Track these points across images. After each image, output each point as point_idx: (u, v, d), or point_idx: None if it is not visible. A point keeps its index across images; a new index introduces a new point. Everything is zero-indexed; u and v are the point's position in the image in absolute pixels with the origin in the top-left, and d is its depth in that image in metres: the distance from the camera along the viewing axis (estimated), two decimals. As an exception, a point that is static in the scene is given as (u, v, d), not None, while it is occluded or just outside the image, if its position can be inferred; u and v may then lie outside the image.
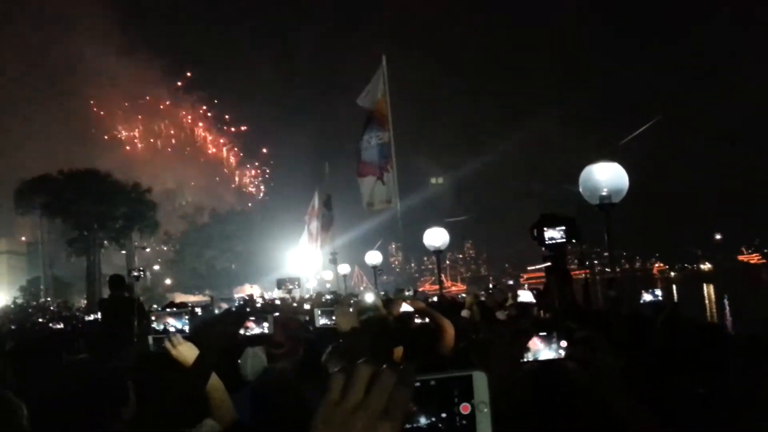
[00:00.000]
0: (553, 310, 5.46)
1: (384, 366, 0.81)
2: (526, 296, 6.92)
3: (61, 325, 13.70)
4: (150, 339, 3.15)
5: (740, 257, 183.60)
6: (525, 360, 2.21)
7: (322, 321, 4.38)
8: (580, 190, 8.15)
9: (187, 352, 2.88)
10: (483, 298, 9.28)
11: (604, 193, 7.88)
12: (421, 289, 35.25)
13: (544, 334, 2.23)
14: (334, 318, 3.45)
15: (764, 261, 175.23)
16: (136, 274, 12.72)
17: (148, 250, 61.02)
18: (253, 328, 3.30)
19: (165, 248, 76.44)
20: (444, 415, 0.81)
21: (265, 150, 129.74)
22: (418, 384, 0.81)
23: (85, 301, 44.98)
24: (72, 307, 37.21)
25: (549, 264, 5.54)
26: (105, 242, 48.57)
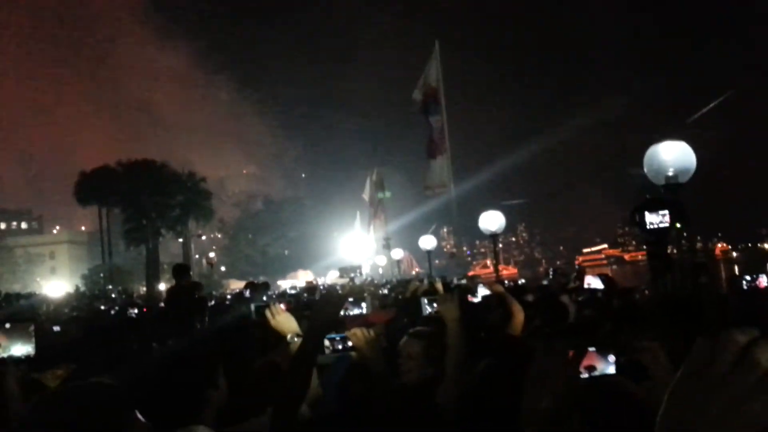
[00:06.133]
0: (651, 300, 5.33)
1: (760, 335, 0.65)
2: (595, 282, 6.72)
3: (136, 311, 14.10)
4: (252, 307, 3.23)
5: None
6: (584, 377, 2.03)
7: (429, 310, 4.37)
8: (645, 170, 7.93)
9: (286, 323, 2.93)
10: (546, 282, 9.17)
11: (670, 174, 7.66)
12: (471, 274, 35.10)
13: (594, 349, 2.09)
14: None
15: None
16: (212, 255, 12.81)
17: (204, 237, 62.08)
18: (352, 309, 3.36)
19: (220, 236, 77.75)
20: None
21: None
22: None
23: (145, 289, 46.14)
24: (132, 294, 38.19)
25: (650, 250, 5.37)
26: (162, 231, 49.65)
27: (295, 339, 2.79)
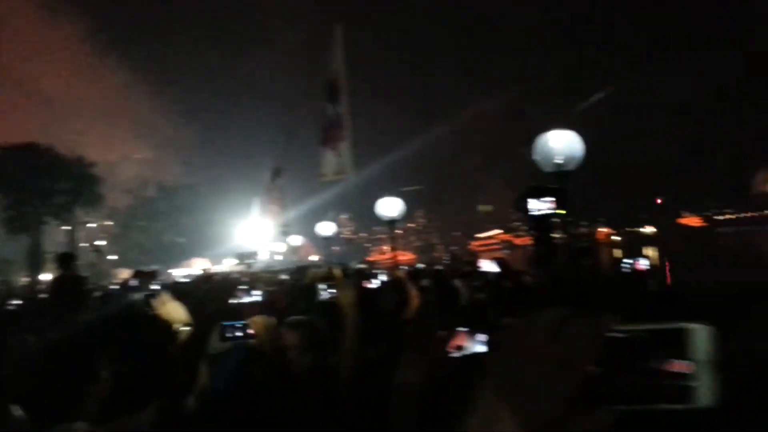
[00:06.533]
0: (539, 283, 5.52)
1: (575, 312, 0.70)
2: (489, 266, 6.89)
3: (20, 302, 13.45)
4: (139, 296, 3.14)
5: (680, 220, 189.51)
6: (455, 356, 2.14)
7: (327, 294, 4.36)
8: (534, 157, 8.21)
9: (174, 313, 2.84)
10: (441, 267, 9.37)
11: (558, 161, 7.95)
12: (369, 259, 35.56)
13: (466, 329, 2.20)
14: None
15: (706, 224, 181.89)
16: (100, 243, 12.34)
17: (95, 225, 59.49)
18: (244, 297, 3.30)
19: (112, 223, 74.65)
20: (649, 370, 0.67)
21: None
22: (619, 335, 0.68)
23: (27, 279, 43.71)
24: (14, 285, 36.12)
25: (535, 236, 5.58)
26: (46, 218, 47.17)
27: (184, 328, 2.72)
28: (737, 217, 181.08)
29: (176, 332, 2.76)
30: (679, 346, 0.68)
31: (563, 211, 5.92)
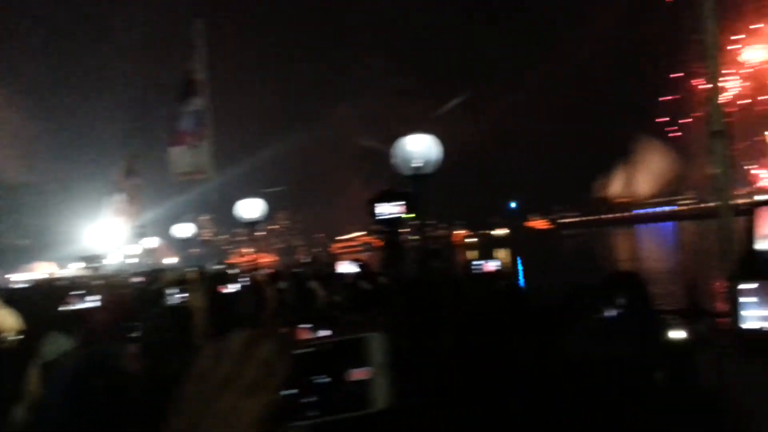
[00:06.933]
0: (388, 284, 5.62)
1: (261, 334, 0.72)
2: (346, 267, 6.93)
3: None
4: None
5: (528, 223, 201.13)
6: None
7: (178, 298, 4.21)
8: (393, 160, 8.38)
9: (5, 319, 2.66)
10: (299, 269, 9.34)
11: (416, 164, 8.17)
12: (228, 262, 34.88)
13: (309, 326, 2.26)
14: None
15: (552, 226, 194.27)
16: None
17: None
18: (76, 303, 3.11)
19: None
20: (335, 381, 0.75)
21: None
22: (304, 351, 0.74)
23: None
24: None
25: (384, 238, 5.70)
26: None
27: (14, 336, 2.53)
28: (580, 220, 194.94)
29: (3, 340, 2.56)
30: (361, 354, 0.76)
31: (413, 215, 6.10)
